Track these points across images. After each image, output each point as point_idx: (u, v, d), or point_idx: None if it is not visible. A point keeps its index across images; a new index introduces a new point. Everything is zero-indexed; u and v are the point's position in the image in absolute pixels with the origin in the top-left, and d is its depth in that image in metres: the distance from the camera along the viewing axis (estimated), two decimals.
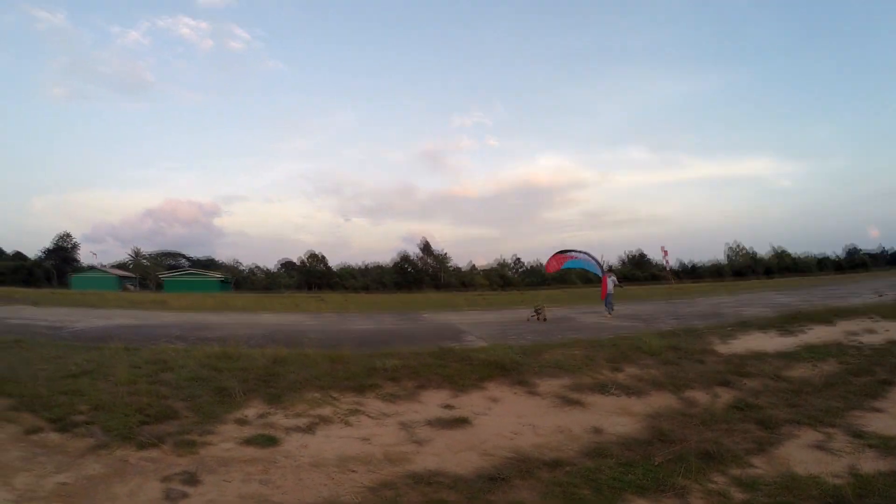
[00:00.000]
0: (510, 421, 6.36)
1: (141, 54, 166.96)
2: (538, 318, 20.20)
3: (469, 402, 7.18)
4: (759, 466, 4.84)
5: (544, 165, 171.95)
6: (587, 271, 26.40)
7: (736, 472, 4.67)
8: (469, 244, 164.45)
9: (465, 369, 8.76)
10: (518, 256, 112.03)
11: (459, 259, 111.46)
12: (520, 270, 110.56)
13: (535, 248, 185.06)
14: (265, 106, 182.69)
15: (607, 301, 22.08)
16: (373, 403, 7.02)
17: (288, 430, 5.86)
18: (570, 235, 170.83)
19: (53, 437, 5.51)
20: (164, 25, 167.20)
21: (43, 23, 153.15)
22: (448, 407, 6.94)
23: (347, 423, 6.19)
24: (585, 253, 22.22)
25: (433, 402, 7.16)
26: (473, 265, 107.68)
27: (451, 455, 5.24)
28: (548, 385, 8.00)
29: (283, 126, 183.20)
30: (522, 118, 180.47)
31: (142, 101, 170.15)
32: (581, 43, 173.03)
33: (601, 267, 22.66)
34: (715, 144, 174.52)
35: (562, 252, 22.51)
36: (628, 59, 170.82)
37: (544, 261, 25.38)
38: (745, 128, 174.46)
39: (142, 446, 5.23)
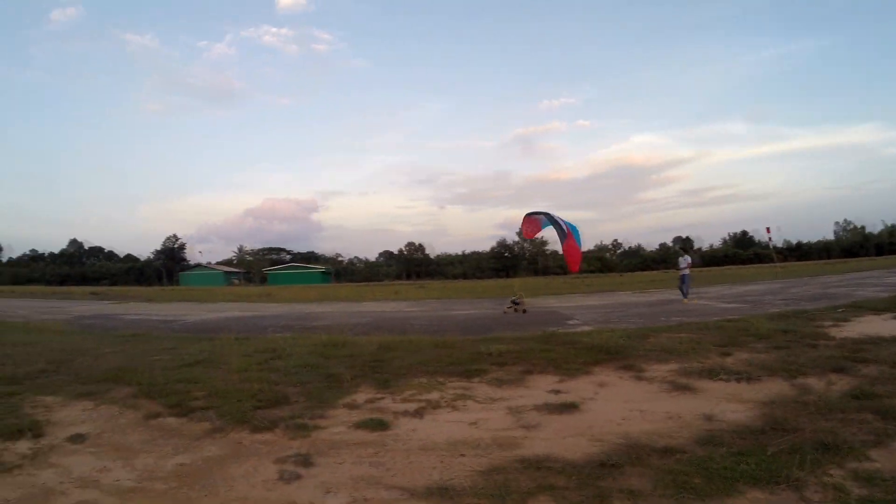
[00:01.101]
0: (618, 406, 6.18)
1: (228, 65, 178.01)
2: (516, 311, 18.41)
3: (576, 387, 7.07)
4: (878, 460, 4.42)
5: (638, 144, 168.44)
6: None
7: (853, 465, 4.28)
8: None
9: (570, 353, 8.72)
10: (616, 239, 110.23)
11: (557, 243, 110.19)
12: (618, 252, 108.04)
13: (634, 229, 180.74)
14: (353, 103, 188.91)
15: (682, 284, 20.79)
16: (480, 388, 7.03)
17: (397, 414, 5.95)
18: (670, 214, 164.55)
19: (171, 421, 5.92)
20: (248, 35, 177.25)
21: (133, 45, 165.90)
22: (555, 392, 6.84)
23: (455, 408, 6.20)
24: (546, 214, 19.62)
25: (540, 387, 7.09)
26: None
27: (560, 440, 5.13)
28: (655, 370, 7.80)
29: (373, 121, 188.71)
30: (612, 98, 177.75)
31: (234, 109, 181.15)
32: (663, 15, 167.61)
33: (562, 227, 19.79)
34: (816, 113, 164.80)
35: (530, 214, 19.74)
36: (714, 26, 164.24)
37: (644, 243, 22.87)
38: (847, 94, 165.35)
39: (256, 430, 5.50)
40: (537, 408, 6.14)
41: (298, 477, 4.34)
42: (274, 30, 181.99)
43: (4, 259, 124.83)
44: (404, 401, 6.48)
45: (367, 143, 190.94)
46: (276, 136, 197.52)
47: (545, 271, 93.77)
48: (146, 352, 10.16)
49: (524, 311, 18.36)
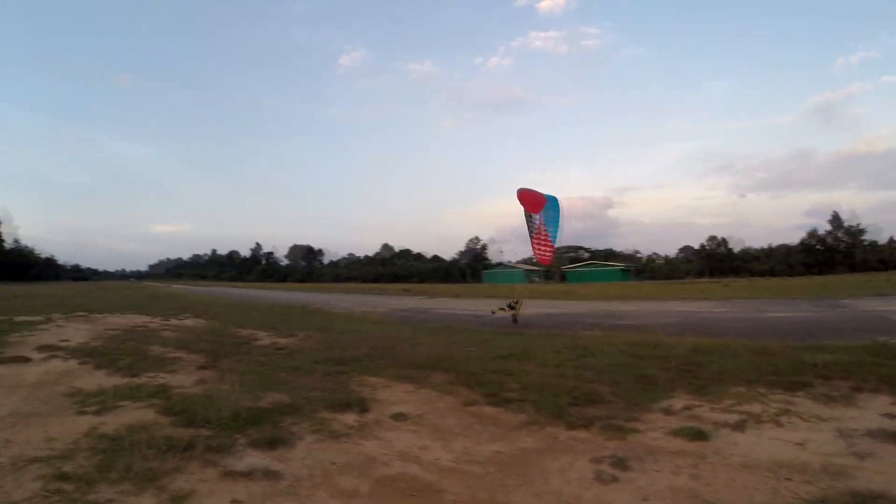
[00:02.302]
0: None
1: (506, 75, 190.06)
2: (506, 313, 15.89)
3: None
4: None
5: None
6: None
7: None
8: (888, 212, 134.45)
9: None
10: None
11: (876, 233, 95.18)
12: None
13: None
14: (635, 93, 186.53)
15: None
16: (804, 403, 6.31)
17: (715, 424, 5.59)
18: None
19: (488, 409, 6.21)
20: (518, 45, 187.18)
21: (416, 73, 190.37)
22: (890, 416, 5.81)
23: (779, 424, 5.61)
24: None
25: (872, 408, 6.13)
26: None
27: None
28: None
29: (658, 109, 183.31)
30: None
31: (520, 115, 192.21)
32: None
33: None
34: None
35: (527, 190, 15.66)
36: None
37: None
38: None
39: (571, 426, 5.51)
40: (871, 433, 5.24)
41: (615, 479, 4.25)
42: (542, 34, 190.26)
43: (326, 261, 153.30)
44: (723, 410, 6.04)
45: (656, 132, 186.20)
46: (564, 136, 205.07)
47: (864, 266, 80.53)
48: (459, 343, 10.91)
49: (515, 321, 16.06)
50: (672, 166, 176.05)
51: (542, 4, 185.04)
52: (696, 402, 6.37)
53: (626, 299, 29.30)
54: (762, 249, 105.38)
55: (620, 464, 4.54)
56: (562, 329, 12.80)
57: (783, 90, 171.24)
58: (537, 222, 16.36)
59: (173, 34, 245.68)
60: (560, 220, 16.92)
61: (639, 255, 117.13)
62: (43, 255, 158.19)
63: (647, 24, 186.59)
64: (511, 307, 17.28)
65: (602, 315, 18.57)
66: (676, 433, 5.34)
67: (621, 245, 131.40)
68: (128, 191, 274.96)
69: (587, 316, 18.55)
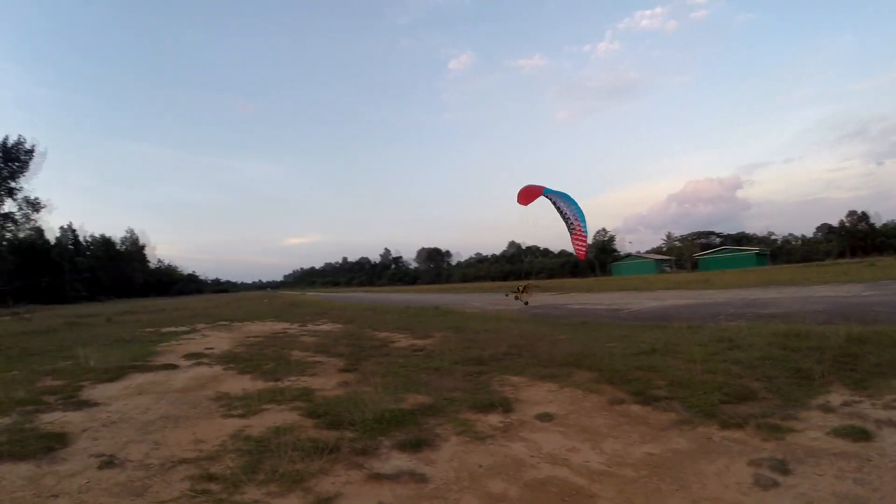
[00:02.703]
0: None
1: (618, 59, 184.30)
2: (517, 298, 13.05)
3: None
4: None
5: None
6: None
7: None
8: None
9: None
10: None
11: None
12: None
13: None
14: (753, 61, 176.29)
15: None
16: None
17: (878, 422, 5.25)
18: None
19: (635, 408, 6.13)
20: (626, 27, 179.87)
21: (526, 68, 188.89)
22: None
23: None
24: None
25: None
26: None
27: None
28: None
29: (781, 74, 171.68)
30: None
31: (636, 100, 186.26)
32: None
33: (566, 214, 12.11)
34: None
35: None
36: None
37: None
38: None
39: (724, 425, 5.36)
40: None
41: (775, 484, 4.08)
42: (648, 13, 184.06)
43: (454, 262, 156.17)
44: (885, 406, 5.66)
45: (781, 102, 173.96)
46: (685, 116, 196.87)
47: None
48: (598, 339, 10.83)
49: (525, 304, 14.18)
50: (801, 137, 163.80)
51: None
52: (856, 398, 6.06)
53: (766, 285, 27.72)
54: None
55: (780, 467, 4.39)
56: (703, 321, 12.35)
57: None
58: (570, 217, 15.83)
59: (287, 60, 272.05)
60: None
61: (773, 238, 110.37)
62: (185, 272, 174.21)
63: None
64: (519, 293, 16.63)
65: (743, 304, 17.71)
66: (837, 432, 5.09)
67: (754, 227, 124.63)
68: (262, 208, 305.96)
69: (727, 305, 17.80)
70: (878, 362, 7.20)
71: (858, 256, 76.89)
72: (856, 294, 19.32)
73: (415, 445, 5.22)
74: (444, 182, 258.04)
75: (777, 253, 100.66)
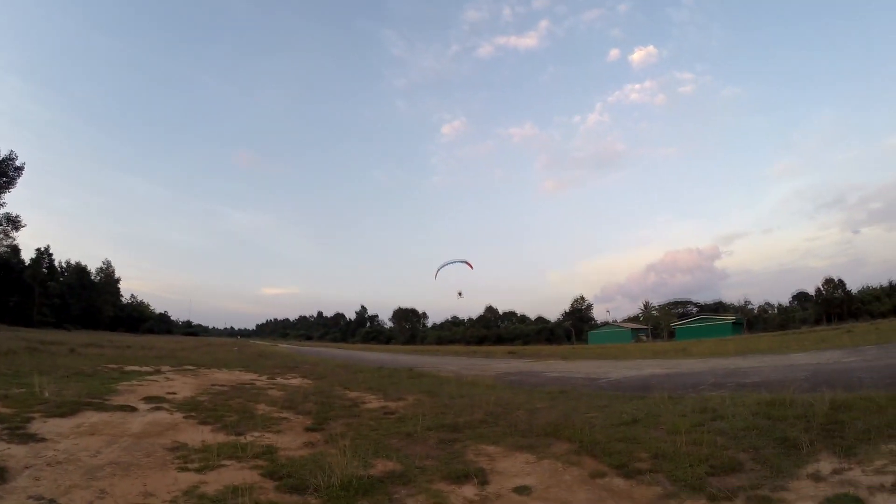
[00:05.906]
0: None
1: (605, 131, 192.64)
2: None
3: None
4: None
5: None
6: None
7: None
8: None
9: None
10: None
11: None
12: None
13: None
14: (737, 134, 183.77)
15: None
16: None
17: (871, 488, 5.14)
18: None
19: (618, 482, 5.91)
20: (615, 99, 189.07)
21: (516, 137, 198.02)
22: None
23: None
24: None
25: None
26: None
27: None
28: None
29: (763, 147, 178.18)
30: None
31: (621, 170, 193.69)
32: None
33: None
34: None
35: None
36: None
37: None
38: None
39: (713, 499, 5.18)
40: None
41: None
42: (637, 86, 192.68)
43: (429, 324, 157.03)
44: (876, 472, 5.53)
45: (761, 172, 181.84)
46: (667, 187, 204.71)
47: None
48: (577, 409, 10.58)
49: None
50: (780, 207, 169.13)
51: (635, 56, 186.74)
52: (846, 465, 5.94)
53: (745, 354, 27.89)
54: (882, 288, 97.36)
55: None
56: (684, 391, 12.17)
57: (893, 109, 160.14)
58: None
59: (284, 114, 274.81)
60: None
61: (750, 307, 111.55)
62: (157, 311, 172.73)
63: (741, 62, 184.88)
64: None
65: (723, 373, 17.64)
66: (830, 502, 4.97)
67: (731, 296, 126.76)
68: (243, 255, 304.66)
69: (708, 374, 17.76)
70: (865, 428, 7.12)
71: (834, 323, 78.00)
72: (836, 360, 19.53)
73: None
74: (426, 244, 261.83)
75: (753, 321, 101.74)
